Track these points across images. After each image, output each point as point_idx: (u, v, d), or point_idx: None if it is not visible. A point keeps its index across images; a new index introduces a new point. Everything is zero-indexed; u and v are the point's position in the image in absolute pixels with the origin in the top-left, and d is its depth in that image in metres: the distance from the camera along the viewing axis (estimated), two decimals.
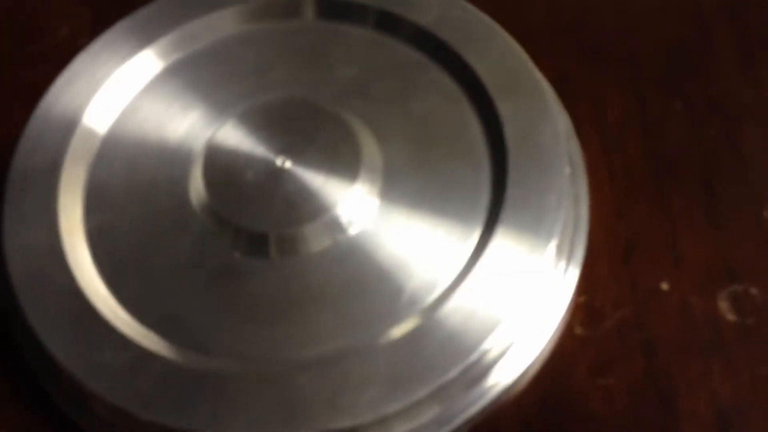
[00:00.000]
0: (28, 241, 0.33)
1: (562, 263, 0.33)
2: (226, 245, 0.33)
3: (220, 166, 0.34)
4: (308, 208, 0.33)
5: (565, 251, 0.33)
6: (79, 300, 0.32)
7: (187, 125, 0.35)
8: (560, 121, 0.34)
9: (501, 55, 0.35)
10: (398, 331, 0.31)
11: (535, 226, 0.32)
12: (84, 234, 0.34)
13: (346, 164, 0.33)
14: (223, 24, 0.37)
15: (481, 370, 0.31)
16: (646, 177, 0.36)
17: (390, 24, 0.36)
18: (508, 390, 0.32)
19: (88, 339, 0.31)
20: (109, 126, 0.36)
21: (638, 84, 0.38)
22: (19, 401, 0.33)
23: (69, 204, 0.34)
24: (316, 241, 0.33)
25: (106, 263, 0.33)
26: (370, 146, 0.34)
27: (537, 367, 0.32)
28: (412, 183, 0.33)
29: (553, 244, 0.31)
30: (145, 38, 0.36)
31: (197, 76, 0.36)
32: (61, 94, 0.36)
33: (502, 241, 0.32)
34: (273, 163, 0.33)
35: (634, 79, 0.38)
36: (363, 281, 0.32)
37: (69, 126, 0.35)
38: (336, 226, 0.33)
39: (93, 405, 0.31)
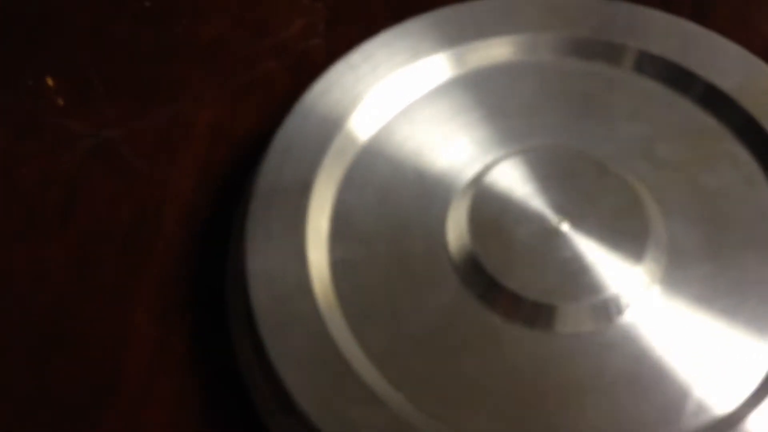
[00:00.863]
0: (274, 265, 0.29)
1: None
2: (487, 307, 0.29)
3: (488, 213, 0.30)
4: (584, 281, 0.29)
5: None
6: (326, 343, 0.28)
7: (450, 156, 0.32)
8: None
9: None
10: None
11: None
12: (329, 266, 0.30)
13: (631, 238, 0.30)
14: (520, 49, 0.33)
15: None
16: None
17: (684, 80, 0.32)
18: None
19: (335, 389, 0.28)
20: (363, 144, 0.32)
21: None
22: None
23: (317, 229, 0.30)
24: (588, 319, 0.29)
25: (351, 304, 0.30)
26: (656, 220, 0.30)
27: None
28: (699, 270, 0.30)
29: None
30: (411, 51, 0.33)
31: (468, 101, 0.33)
32: (314, 103, 0.32)
33: None
34: (549, 223, 0.30)
35: None
36: (639, 375, 0.28)
37: (322, 141, 0.31)
38: (613, 307, 0.29)
39: None
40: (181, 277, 0.32)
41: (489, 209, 0.30)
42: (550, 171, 0.31)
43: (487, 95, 0.33)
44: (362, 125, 0.32)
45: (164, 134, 0.34)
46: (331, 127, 0.31)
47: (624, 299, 0.29)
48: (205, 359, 0.31)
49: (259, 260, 0.29)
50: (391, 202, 0.31)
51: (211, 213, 0.33)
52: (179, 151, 0.34)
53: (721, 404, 0.28)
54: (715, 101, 0.32)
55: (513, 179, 0.30)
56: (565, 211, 0.30)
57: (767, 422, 0.27)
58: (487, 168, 0.31)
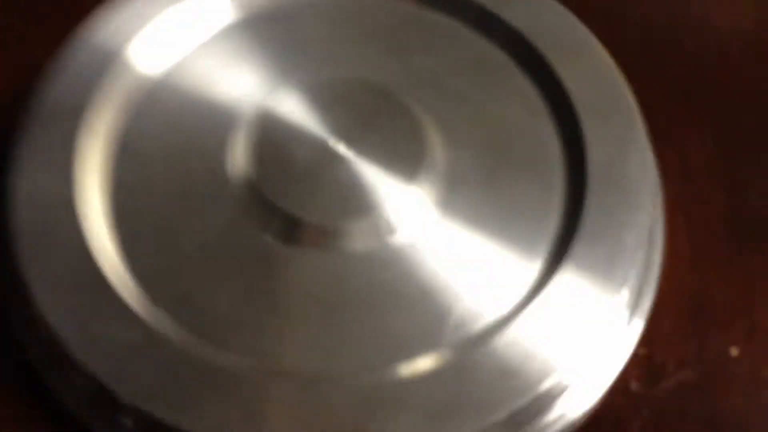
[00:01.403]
0: (37, 188, 0.29)
1: (627, 310, 0.30)
2: (260, 226, 0.29)
3: (268, 137, 0.30)
4: (358, 201, 0.29)
5: (632, 297, 0.30)
6: (85, 262, 0.28)
7: (241, 87, 0.32)
8: (649, 155, 0.30)
9: (596, 72, 0.31)
10: (440, 357, 0.27)
11: (608, 265, 0.28)
12: (101, 189, 0.30)
13: (407, 160, 0.30)
14: None
15: (526, 416, 0.27)
16: (727, 234, 0.32)
17: (480, 18, 0.32)
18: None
19: (89, 308, 0.27)
20: (151, 71, 0.32)
21: (728, 133, 0.35)
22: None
23: (90, 151, 0.30)
24: (360, 239, 0.29)
25: (122, 226, 0.29)
26: (435, 146, 0.30)
27: (585, 419, 0.29)
28: (474, 194, 0.30)
29: (626, 288, 0.28)
30: None
31: (263, 36, 0.33)
32: (101, 24, 0.32)
33: (569, 275, 0.28)
34: (328, 147, 0.30)
35: (723, 127, 0.35)
36: (407, 294, 0.28)
37: (104, 61, 0.31)
38: (385, 226, 0.29)
39: (81, 384, 0.28)
40: None
41: (269, 134, 0.30)
42: (333, 99, 0.31)
43: (279, 31, 0.33)
44: (145, 55, 0.32)
45: None
46: (117, 46, 0.31)
47: (397, 219, 0.29)
48: None
49: (22, 181, 0.29)
50: (173, 129, 0.31)
51: None
52: None
53: (480, 320, 0.28)
54: (509, 38, 0.32)
55: (296, 107, 0.31)
56: (344, 135, 0.30)
57: (520, 336, 0.27)
58: (272, 97, 0.31)
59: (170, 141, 0.31)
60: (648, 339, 0.30)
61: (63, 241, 0.28)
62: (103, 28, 0.32)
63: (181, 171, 0.30)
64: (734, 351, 0.30)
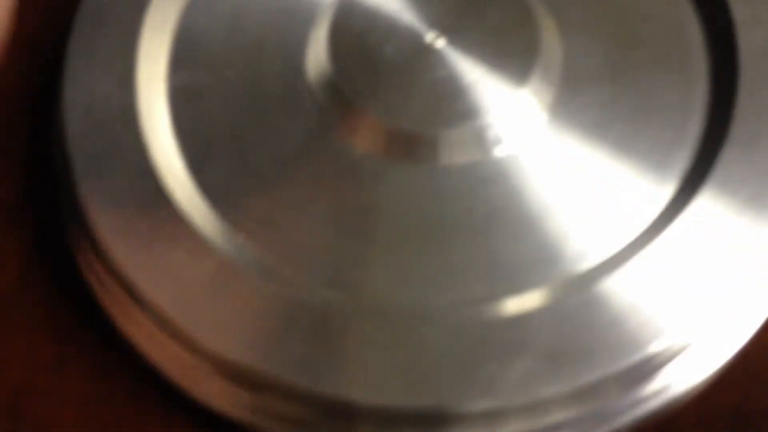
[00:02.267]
0: (95, 93, 0.25)
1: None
2: (344, 137, 0.25)
3: (353, 32, 0.25)
4: (458, 105, 0.25)
5: None
6: (150, 179, 0.24)
7: None
8: None
9: None
10: (560, 291, 0.23)
11: (762, 189, 0.23)
12: (166, 94, 0.26)
13: (516, 58, 0.25)
14: None
15: (659, 363, 0.23)
16: None
17: None
18: (689, 392, 0.23)
19: (156, 235, 0.24)
20: None
21: None
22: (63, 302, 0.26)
23: (153, 52, 0.26)
24: (462, 150, 0.24)
25: (189, 138, 0.25)
26: (550, 39, 0.25)
27: (728, 368, 0.24)
28: (596, 96, 0.25)
29: None
30: None
31: None
32: None
33: (710, 201, 0.23)
34: (421, 39, 0.25)
35: None
36: (514, 217, 0.24)
37: None
38: (490, 136, 0.24)
39: (151, 324, 0.24)
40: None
41: (353, 26, 0.25)
42: None
43: None
44: None
45: None
46: None
47: (505, 127, 0.25)
48: (32, 204, 0.27)
49: (77, 89, 0.25)
50: (244, 25, 0.26)
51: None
52: None
53: (604, 249, 0.23)
54: None
55: None
56: (441, 26, 0.25)
57: (651, 272, 0.22)
58: None
59: (241, 41, 0.26)
60: None
61: (126, 158, 0.25)
62: None
63: (254, 75, 0.26)
64: None
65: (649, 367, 0.22)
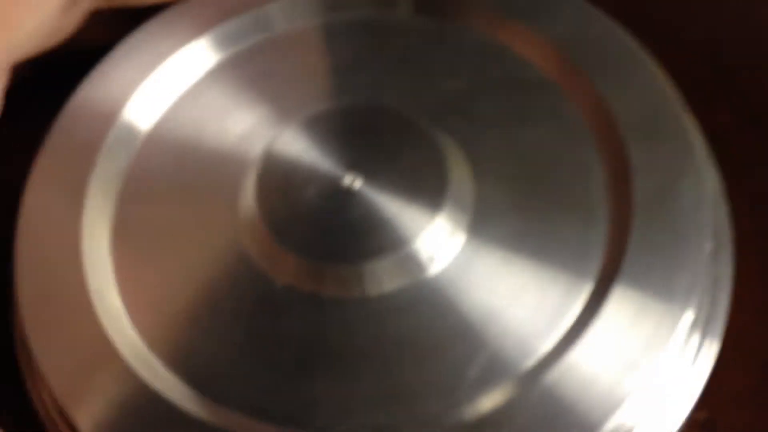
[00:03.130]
0: (45, 251, 0.27)
1: (686, 360, 0.25)
2: (269, 272, 0.26)
3: (277, 178, 0.27)
4: (378, 239, 0.26)
5: (692, 349, 0.25)
6: (83, 301, 0.26)
7: (246, 127, 0.29)
8: (709, 182, 0.26)
9: (645, 89, 0.27)
10: (488, 402, 0.24)
11: (656, 314, 0.24)
12: (108, 228, 0.28)
13: (429, 191, 0.26)
14: (301, 11, 0.30)
15: None
16: None
17: (509, 31, 0.29)
18: None
19: (80, 355, 0.25)
20: (152, 124, 0.30)
21: None
22: None
23: (98, 209, 0.28)
24: (384, 280, 0.26)
25: (128, 279, 0.27)
26: (461, 174, 0.27)
27: None
28: (507, 227, 0.26)
29: (687, 319, 0.24)
30: (203, 23, 0.30)
31: (265, 70, 0.30)
32: (96, 87, 0.30)
33: (611, 319, 0.24)
34: (340, 181, 0.27)
35: None
36: (441, 335, 0.25)
37: (105, 121, 0.29)
38: (412, 263, 0.26)
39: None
40: None
41: (278, 172, 0.27)
42: (347, 130, 0.28)
43: (294, 59, 0.30)
44: (151, 103, 0.29)
45: None
46: (114, 105, 0.29)
47: (424, 253, 0.26)
48: None
49: (31, 247, 0.27)
50: (182, 176, 0.28)
51: None
52: None
53: (527, 356, 0.24)
54: (545, 53, 0.28)
55: (307, 141, 0.28)
56: (360, 168, 0.27)
57: (574, 371, 0.24)
58: (281, 132, 0.28)
59: (175, 190, 0.28)
60: (709, 400, 0.26)
61: (68, 297, 0.26)
62: (97, 91, 0.30)
63: (185, 216, 0.28)
64: None
65: None
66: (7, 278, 0.28)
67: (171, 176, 0.29)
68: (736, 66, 0.33)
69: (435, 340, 0.25)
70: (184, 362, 0.25)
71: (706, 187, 0.26)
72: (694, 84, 0.31)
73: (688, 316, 0.24)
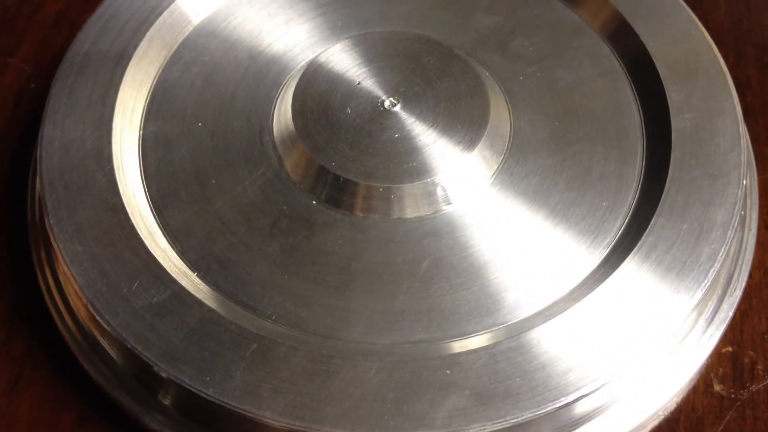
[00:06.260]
0: (72, 135, 0.27)
1: (713, 301, 0.26)
2: (304, 188, 0.26)
3: (316, 93, 0.27)
4: (410, 163, 0.26)
5: (718, 286, 0.26)
6: (116, 215, 0.26)
7: (288, 40, 0.29)
8: (741, 125, 0.27)
9: (680, 33, 0.28)
10: (495, 336, 0.24)
11: (688, 257, 0.25)
12: (138, 139, 0.28)
13: (467, 124, 0.27)
14: None
15: (583, 412, 0.24)
16: None
17: None
18: None
19: (116, 263, 0.25)
20: (195, 23, 0.29)
21: None
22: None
23: (130, 101, 0.28)
24: (411, 205, 0.26)
25: (156, 179, 0.27)
26: (499, 109, 0.27)
27: (657, 423, 0.25)
28: (540, 165, 0.27)
29: (706, 283, 0.24)
30: None
31: None
32: None
33: (635, 267, 0.24)
34: (380, 103, 0.27)
35: None
36: (458, 267, 0.25)
37: (149, 13, 0.29)
38: (440, 193, 0.26)
39: (106, 346, 0.25)
40: None
41: (317, 89, 0.27)
42: (389, 53, 0.28)
43: None
44: (191, 4, 0.29)
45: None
46: (152, 4, 0.29)
47: (452, 186, 0.26)
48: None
49: (55, 130, 0.27)
50: (218, 81, 0.28)
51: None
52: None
53: (539, 301, 0.25)
54: None
55: (348, 61, 0.28)
56: (399, 92, 0.27)
57: (577, 325, 0.24)
58: (323, 50, 0.28)
59: (213, 94, 0.28)
60: (734, 336, 0.26)
61: (96, 195, 0.26)
62: None
63: (223, 127, 0.28)
64: None
65: (573, 414, 0.23)
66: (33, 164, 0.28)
67: (211, 77, 0.28)
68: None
69: (470, 263, 0.25)
70: (216, 270, 0.25)
71: (740, 127, 0.26)
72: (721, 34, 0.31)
73: (723, 250, 0.25)
